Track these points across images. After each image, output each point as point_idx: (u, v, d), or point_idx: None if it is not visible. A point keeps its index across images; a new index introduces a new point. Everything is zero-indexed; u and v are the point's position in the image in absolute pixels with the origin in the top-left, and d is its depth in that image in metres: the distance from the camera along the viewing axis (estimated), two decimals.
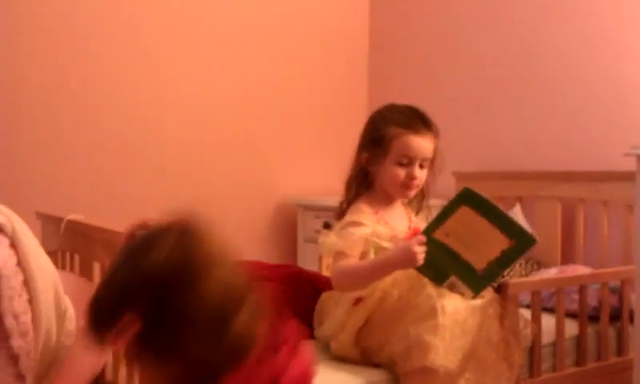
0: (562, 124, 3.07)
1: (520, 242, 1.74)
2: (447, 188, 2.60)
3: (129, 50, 3.23)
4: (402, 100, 2.06)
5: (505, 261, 1.77)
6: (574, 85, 3.03)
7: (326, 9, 3.89)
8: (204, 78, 3.44)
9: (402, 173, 1.91)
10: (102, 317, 0.88)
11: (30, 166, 3.00)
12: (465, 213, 1.73)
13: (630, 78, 2.84)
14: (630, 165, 2.11)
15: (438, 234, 1.76)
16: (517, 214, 2.86)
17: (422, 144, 1.92)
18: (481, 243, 1.75)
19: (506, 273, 2.38)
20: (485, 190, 3.19)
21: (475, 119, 3.44)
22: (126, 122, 3.21)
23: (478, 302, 1.82)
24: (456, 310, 1.75)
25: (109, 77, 3.18)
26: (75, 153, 3.10)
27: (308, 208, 3.58)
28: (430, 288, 1.79)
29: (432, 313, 1.72)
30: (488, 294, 1.88)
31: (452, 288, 1.81)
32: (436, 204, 2.06)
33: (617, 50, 2.89)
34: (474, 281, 1.80)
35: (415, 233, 1.85)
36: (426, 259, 1.75)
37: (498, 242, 1.74)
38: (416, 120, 1.93)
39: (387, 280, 1.83)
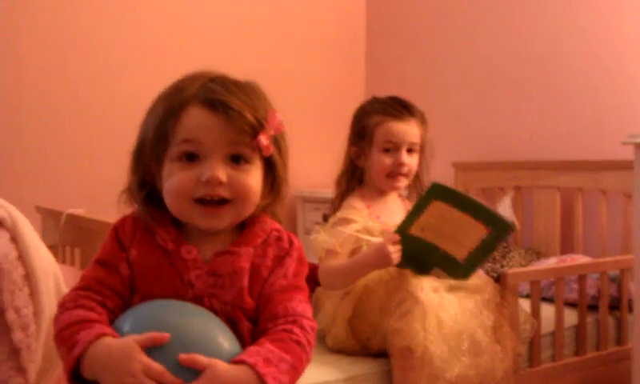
0: (560, 114, 3.07)
1: (497, 229, 1.71)
2: (447, 179, 2.61)
3: (129, 46, 3.23)
4: (400, 92, 2.06)
5: (485, 249, 1.74)
6: (572, 74, 3.03)
7: (322, 2, 3.88)
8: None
9: (387, 160, 1.91)
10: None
11: (30, 160, 3.00)
12: (437, 207, 1.71)
13: (627, 67, 2.83)
14: (628, 153, 2.11)
15: (414, 230, 1.74)
16: (505, 205, 2.83)
17: (405, 129, 1.91)
18: (459, 234, 1.72)
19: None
20: (484, 181, 3.22)
21: (474, 110, 3.44)
22: (125, 117, 3.19)
23: (456, 282, 1.81)
24: (433, 289, 1.75)
25: (109, 72, 3.18)
26: (75, 147, 3.10)
27: (308, 200, 3.58)
28: (409, 272, 1.79)
29: (410, 297, 1.72)
30: (480, 279, 1.88)
31: None
32: None
33: (615, 40, 2.88)
34: (458, 271, 1.79)
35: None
36: (406, 255, 1.74)
37: (476, 231, 1.71)
38: (396, 106, 1.93)
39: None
